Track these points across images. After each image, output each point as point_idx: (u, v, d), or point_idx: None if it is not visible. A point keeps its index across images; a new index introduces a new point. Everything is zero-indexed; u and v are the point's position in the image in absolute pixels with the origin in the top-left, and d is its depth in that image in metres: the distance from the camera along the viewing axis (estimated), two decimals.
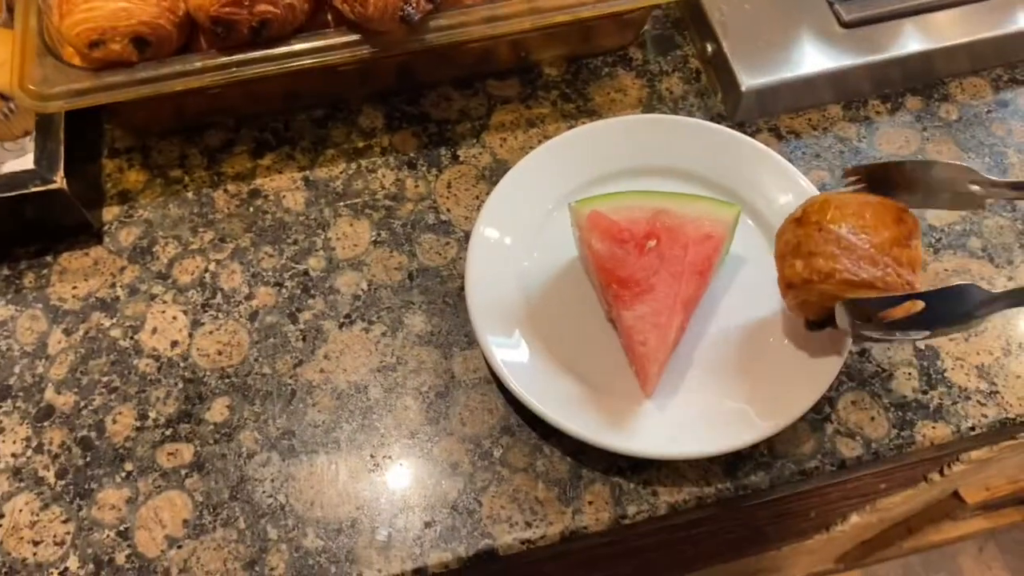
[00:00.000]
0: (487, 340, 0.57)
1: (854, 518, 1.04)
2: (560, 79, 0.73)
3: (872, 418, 0.58)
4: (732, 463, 0.57)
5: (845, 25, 0.69)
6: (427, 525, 0.55)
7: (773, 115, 0.70)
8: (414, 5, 0.59)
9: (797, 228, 0.54)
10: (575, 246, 0.62)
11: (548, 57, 0.73)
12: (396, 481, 0.57)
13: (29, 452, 0.58)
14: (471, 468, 0.57)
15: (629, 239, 0.56)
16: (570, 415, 0.55)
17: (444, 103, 0.72)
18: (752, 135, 0.69)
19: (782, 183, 0.63)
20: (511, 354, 0.57)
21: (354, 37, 0.62)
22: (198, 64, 0.60)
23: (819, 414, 0.58)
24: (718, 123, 0.69)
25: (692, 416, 0.55)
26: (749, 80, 0.67)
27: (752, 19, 0.70)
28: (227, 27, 0.59)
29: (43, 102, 0.60)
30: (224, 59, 0.60)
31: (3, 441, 0.58)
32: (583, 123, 0.70)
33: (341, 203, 0.67)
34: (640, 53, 0.74)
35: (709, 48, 0.70)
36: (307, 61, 0.61)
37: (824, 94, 0.70)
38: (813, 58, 0.68)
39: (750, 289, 0.61)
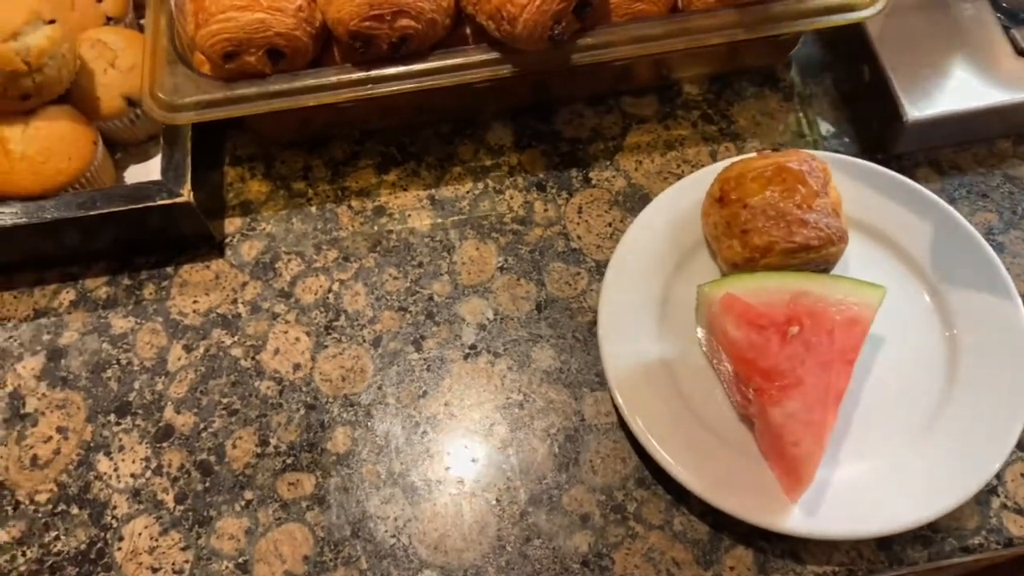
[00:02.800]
0: (619, 393, 0.54)
1: None
2: (701, 98, 0.68)
3: None
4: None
5: (1022, 53, 0.63)
6: None
7: (934, 147, 0.65)
8: (564, 25, 0.56)
9: (722, 208, 0.56)
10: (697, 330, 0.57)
11: (689, 75, 0.68)
12: (523, 529, 0.54)
13: (148, 473, 0.57)
14: (603, 521, 0.54)
15: (769, 325, 0.51)
16: (707, 481, 0.51)
17: (576, 120, 0.68)
18: (911, 168, 0.64)
19: (966, 257, 0.57)
20: (645, 407, 0.54)
21: (494, 55, 0.58)
22: (333, 79, 0.58)
23: (984, 486, 0.53)
24: (873, 154, 0.65)
25: (840, 494, 0.51)
26: (914, 111, 0.61)
27: (916, 42, 0.64)
28: (366, 42, 0.56)
29: (174, 113, 0.58)
30: (360, 74, 0.58)
31: (123, 460, 0.57)
32: (726, 147, 0.66)
33: (467, 225, 0.64)
34: (788, 73, 0.69)
35: (866, 71, 0.65)
36: (445, 79, 0.58)
37: (993, 127, 0.64)
38: (985, 89, 0.62)
39: (899, 361, 0.56)
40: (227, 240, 0.65)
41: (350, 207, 0.65)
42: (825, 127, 0.66)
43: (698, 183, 0.60)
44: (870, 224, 0.59)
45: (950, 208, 0.58)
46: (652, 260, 0.59)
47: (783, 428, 0.49)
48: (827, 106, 0.67)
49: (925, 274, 0.58)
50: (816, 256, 0.54)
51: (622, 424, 0.56)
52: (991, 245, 0.58)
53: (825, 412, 0.49)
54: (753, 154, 0.57)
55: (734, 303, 0.51)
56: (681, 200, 0.60)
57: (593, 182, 0.66)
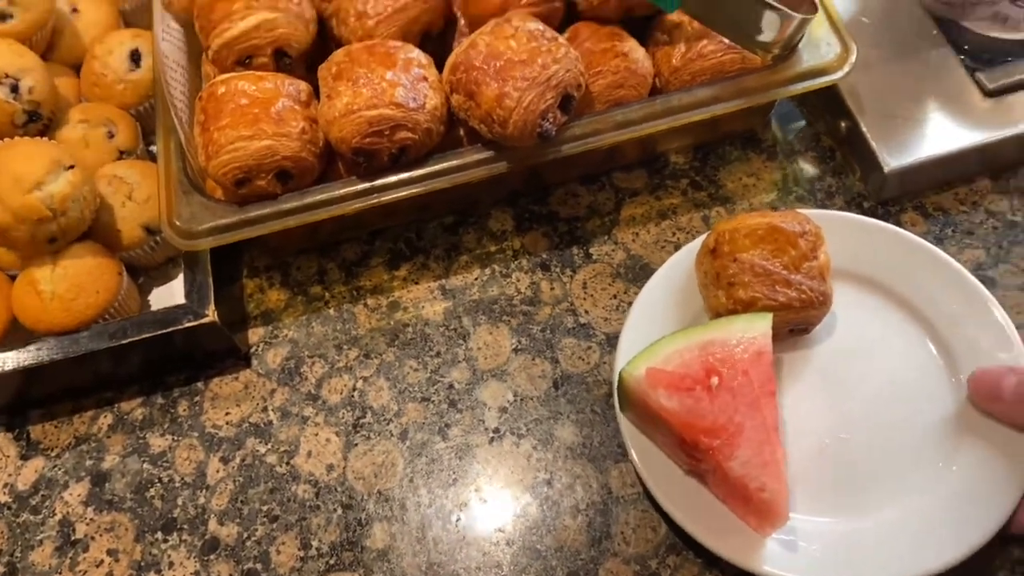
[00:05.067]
0: (640, 464, 0.56)
1: None
2: (688, 167, 0.71)
3: None
4: None
5: (989, 94, 0.66)
6: None
7: (918, 192, 0.67)
8: (551, 120, 0.59)
9: (714, 259, 0.58)
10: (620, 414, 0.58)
11: (675, 146, 0.72)
12: None
13: None
14: None
15: (694, 384, 0.52)
16: (733, 544, 0.53)
17: (572, 200, 0.71)
18: (897, 214, 0.67)
19: (961, 298, 0.59)
20: (667, 475, 0.56)
21: (488, 153, 0.62)
22: (340, 192, 0.61)
23: (1000, 527, 0.55)
24: (859, 203, 0.68)
25: (869, 544, 0.53)
26: (893, 161, 0.64)
27: (887, 93, 0.67)
28: (368, 156, 0.60)
29: (193, 240, 0.61)
30: (365, 185, 0.61)
31: None
32: (717, 212, 0.69)
33: (479, 311, 0.67)
34: (769, 133, 0.72)
35: (843, 126, 0.68)
36: (445, 181, 0.61)
37: (970, 167, 0.67)
38: (958, 132, 0.65)
39: (910, 409, 0.58)
40: (252, 350, 0.67)
41: (366, 305, 0.68)
42: (809, 181, 0.69)
43: (694, 253, 0.62)
44: (870, 277, 0.61)
45: (939, 252, 0.60)
46: (658, 332, 0.61)
47: (745, 477, 0.51)
48: (810, 160, 0.70)
49: (928, 322, 0.60)
50: (796, 317, 0.57)
51: (648, 493, 0.59)
52: (981, 281, 0.60)
53: (774, 449, 0.51)
54: (752, 212, 0.60)
55: (659, 375, 0.53)
56: (680, 271, 0.63)
57: (594, 257, 0.68)
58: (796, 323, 0.58)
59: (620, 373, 0.55)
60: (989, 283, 0.63)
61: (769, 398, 0.52)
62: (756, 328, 0.54)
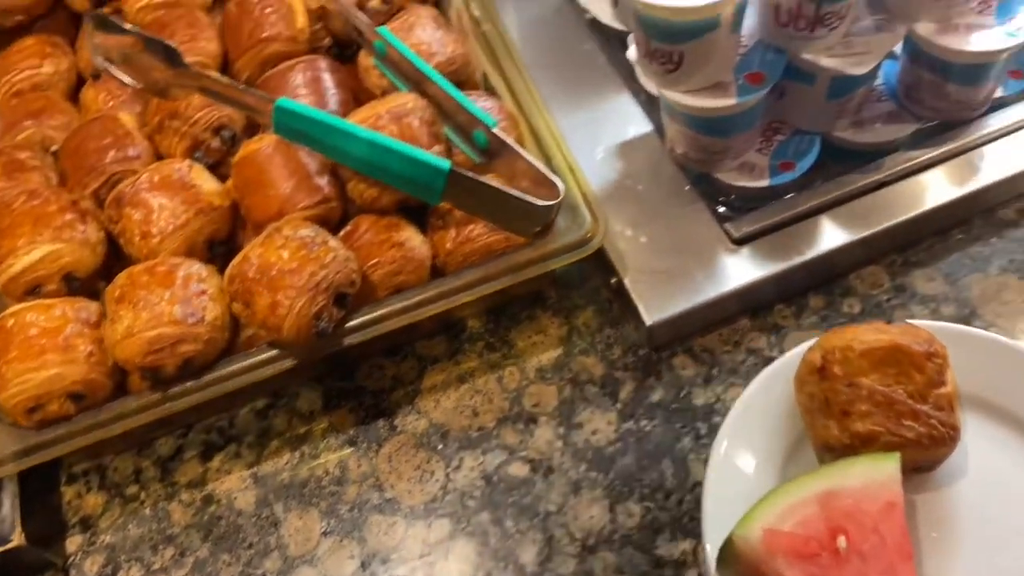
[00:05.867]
0: None
1: None
2: (484, 330, 0.76)
3: None
4: None
5: (737, 242, 0.73)
6: None
7: (687, 336, 0.73)
8: (327, 319, 0.64)
9: (821, 381, 0.51)
10: None
11: (468, 313, 0.77)
12: None
13: None
14: None
15: (819, 549, 0.46)
16: None
17: (377, 372, 0.75)
18: (668, 359, 0.72)
19: None
20: None
21: (275, 352, 0.66)
22: (134, 405, 0.64)
23: None
24: (636, 351, 0.73)
25: None
26: (654, 314, 0.70)
27: (648, 249, 0.74)
28: (154, 372, 0.63)
29: None
30: (158, 396, 0.64)
31: None
32: (510, 372, 0.74)
33: (289, 496, 0.70)
34: (553, 291, 0.78)
35: (613, 281, 0.74)
36: (235, 383, 0.65)
37: (730, 308, 0.73)
38: (712, 281, 0.71)
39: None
40: (71, 560, 0.69)
41: (180, 501, 0.71)
42: (591, 333, 0.75)
43: (780, 374, 0.58)
44: (992, 401, 0.56)
45: None
46: (750, 470, 0.55)
47: None
48: (592, 313, 0.76)
49: None
50: (922, 456, 0.51)
51: None
52: None
53: None
54: (862, 325, 0.54)
55: (777, 539, 0.47)
56: (769, 394, 0.58)
57: (399, 429, 0.72)
58: (919, 463, 0.52)
59: (731, 535, 0.48)
60: None
61: (905, 561, 0.46)
62: (883, 472, 0.48)
